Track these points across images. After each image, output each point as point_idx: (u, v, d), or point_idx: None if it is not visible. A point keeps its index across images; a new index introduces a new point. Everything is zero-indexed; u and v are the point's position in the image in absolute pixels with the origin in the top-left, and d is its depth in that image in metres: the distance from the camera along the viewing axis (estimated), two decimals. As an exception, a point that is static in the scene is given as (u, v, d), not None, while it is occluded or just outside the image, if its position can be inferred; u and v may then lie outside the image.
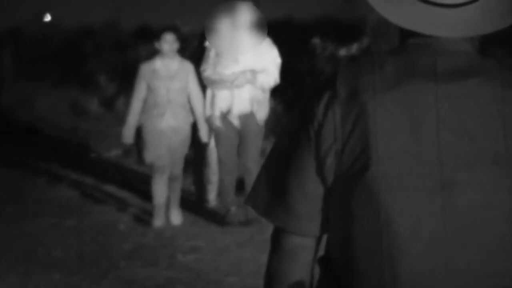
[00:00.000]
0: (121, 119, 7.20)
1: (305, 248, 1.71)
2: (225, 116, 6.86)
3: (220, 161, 7.04)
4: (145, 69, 6.92)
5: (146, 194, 7.78)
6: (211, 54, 6.89)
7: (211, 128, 7.00)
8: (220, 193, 7.33)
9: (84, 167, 9.85)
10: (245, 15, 6.81)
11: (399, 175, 1.57)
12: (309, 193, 1.66)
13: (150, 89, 6.87)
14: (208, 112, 6.93)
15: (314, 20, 15.75)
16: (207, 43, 6.94)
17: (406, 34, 1.66)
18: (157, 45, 6.93)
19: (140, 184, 8.59)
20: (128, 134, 6.97)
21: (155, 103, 6.86)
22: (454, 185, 1.57)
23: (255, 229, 6.74)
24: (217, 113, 6.85)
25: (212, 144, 7.26)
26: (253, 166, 6.78)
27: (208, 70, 6.85)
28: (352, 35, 12.43)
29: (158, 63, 6.92)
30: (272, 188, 1.71)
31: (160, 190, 7.00)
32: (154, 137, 6.89)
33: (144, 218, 7.29)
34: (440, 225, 1.57)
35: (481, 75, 1.60)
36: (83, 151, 10.95)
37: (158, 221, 7.05)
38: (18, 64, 16.97)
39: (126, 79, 8.27)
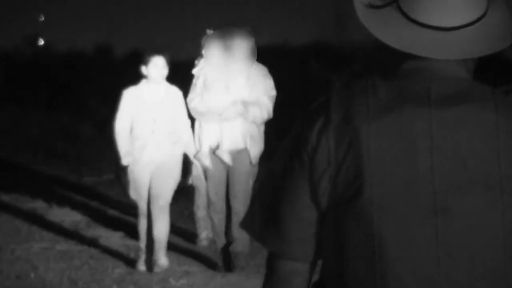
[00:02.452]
0: (113, 143, 7.08)
1: (298, 273, 1.70)
2: (214, 151, 6.27)
3: (208, 200, 6.47)
4: (129, 95, 6.29)
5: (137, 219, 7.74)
6: (199, 83, 6.34)
7: (200, 165, 6.47)
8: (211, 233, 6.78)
9: (75, 191, 9.82)
10: (240, 41, 6.30)
11: (392, 200, 1.57)
12: (303, 218, 1.66)
13: (132, 117, 6.26)
14: (196, 147, 6.35)
15: (308, 44, 15.84)
16: (195, 70, 6.44)
17: (400, 59, 1.66)
18: (144, 69, 6.27)
19: (131, 208, 8.56)
20: (126, 159, 6.33)
21: (138, 133, 6.26)
22: (447, 211, 1.57)
23: (248, 254, 6.69)
24: (205, 148, 6.28)
25: (199, 178, 6.75)
26: (242, 208, 6.10)
27: (195, 100, 6.28)
28: (344, 60, 12.49)
29: (143, 89, 6.30)
30: (265, 213, 1.71)
31: (142, 231, 6.51)
32: (135, 173, 6.35)
33: (136, 243, 7.23)
34: (433, 250, 1.57)
35: (474, 101, 1.61)
36: (75, 175, 10.91)
37: (141, 266, 6.53)
38: (10, 88, 16.95)
39: (119, 103, 8.25)
